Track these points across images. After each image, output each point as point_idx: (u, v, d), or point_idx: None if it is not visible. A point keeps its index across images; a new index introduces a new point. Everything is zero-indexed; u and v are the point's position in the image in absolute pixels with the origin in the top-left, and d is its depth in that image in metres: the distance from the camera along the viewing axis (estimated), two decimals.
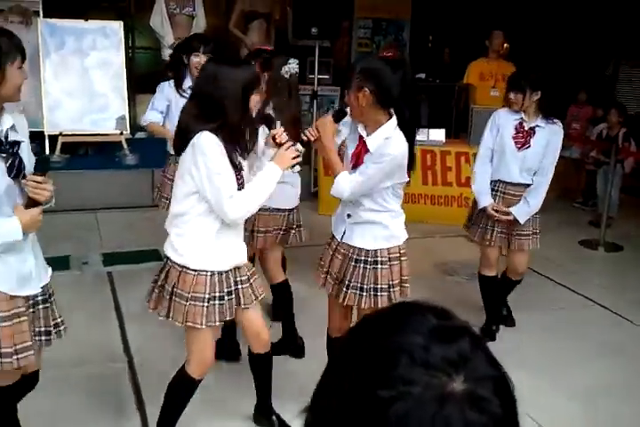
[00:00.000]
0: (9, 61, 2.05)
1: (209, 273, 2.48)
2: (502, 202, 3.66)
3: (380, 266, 2.75)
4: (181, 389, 2.65)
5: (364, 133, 2.64)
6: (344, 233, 2.78)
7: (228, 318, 2.57)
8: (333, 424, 0.70)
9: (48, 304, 2.28)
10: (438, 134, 5.96)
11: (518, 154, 3.59)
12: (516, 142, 3.59)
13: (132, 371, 3.33)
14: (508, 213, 3.62)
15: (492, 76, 6.56)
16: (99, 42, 6.16)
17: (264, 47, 3.72)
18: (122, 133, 6.20)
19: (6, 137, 2.10)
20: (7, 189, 2.08)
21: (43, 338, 2.27)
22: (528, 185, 3.64)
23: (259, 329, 2.75)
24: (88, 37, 6.09)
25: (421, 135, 5.74)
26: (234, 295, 2.56)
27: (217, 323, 2.53)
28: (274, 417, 2.92)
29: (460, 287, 4.62)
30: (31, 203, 2.09)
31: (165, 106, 3.88)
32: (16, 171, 2.10)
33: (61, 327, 2.34)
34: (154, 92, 4.02)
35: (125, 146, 6.16)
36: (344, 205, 2.79)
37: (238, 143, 2.40)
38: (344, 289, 2.76)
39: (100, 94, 6.17)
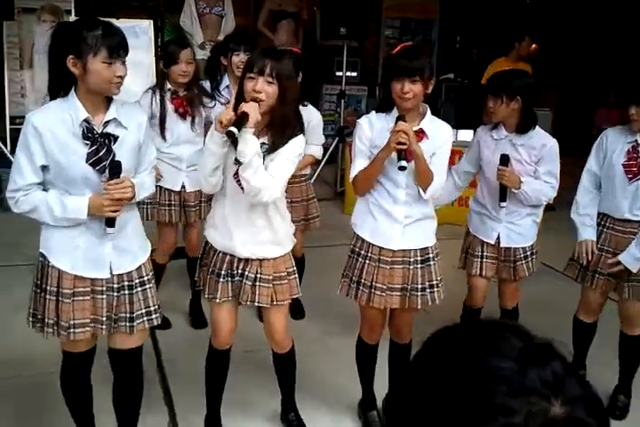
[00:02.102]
0: (90, 53, 2.12)
1: (211, 246, 2.64)
2: (610, 240, 3.02)
3: (432, 262, 2.77)
4: (208, 358, 2.79)
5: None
6: (393, 238, 2.70)
7: (217, 299, 2.61)
8: None
9: (135, 291, 2.38)
10: (467, 135, 5.92)
11: (629, 186, 2.93)
12: (626, 171, 2.92)
13: (161, 368, 3.36)
14: (617, 263, 2.96)
15: None
16: (129, 40, 6.21)
17: (293, 49, 3.73)
18: None
19: (104, 127, 2.23)
20: (84, 175, 2.20)
21: (127, 324, 2.37)
22: None
23: (274, 331, 2.75)
24: None
25: None
26: (222, 279, 2.60)
27: (216, 298, 2.61)
28: (292, 414, 2.92)
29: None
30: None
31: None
32: (95, 160, 2.19)
33: (153, 316, 2.43)
34: None
35: None
36: (395, 207, 2.69)
37: None
38: (407, 294, 2.72)
39: (129, 92, 6.22)
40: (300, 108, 3.56)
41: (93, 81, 2.16)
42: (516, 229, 3.13)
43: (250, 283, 2.58)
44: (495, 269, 3.20)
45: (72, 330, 2.29)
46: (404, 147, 2.48)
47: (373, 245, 2.74)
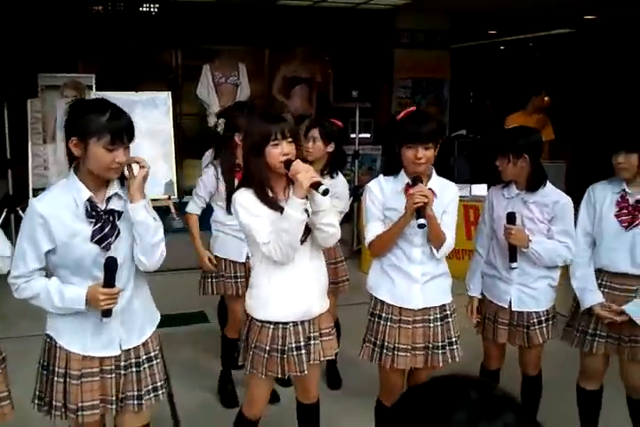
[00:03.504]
0: (93, 138, 2.11)
1: (263, 325, 2.55)
2: (607, 298, 2.88)
3: (450, 318, 2.81)
4: (236, 425, 2.76)
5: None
6: (413, 298, 2.74)
7: (305, 371, 2.56)
8: None
9: (142, 368, 2.36)
10: (481, 189, 5.96)
11: (625, 235, 2.83)
12: (620, 221, 2.83)
13: None
14: (621, 313, 2.84)
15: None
16: (148, 112, 6.43)
17: (336, 122, 3.68)
18: (169, 198, 6.39)
19: (107, 203, 2.23)
20: (91, 255, 2.20)
21: (135, 402, 2.34)
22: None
23: (312, 383, 2.74)
24: (138, 108, 6.38)
25: (464, 191, 5.76)
26: (303, 350, 2.55)
27: (284, 374, 2.57)
28: None
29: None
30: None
31: (209, 193, 3.59)
32: (100, 237, 2.19)
33: (160, 392, 2.40)
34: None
35: (173, 210, 6.33)
36: (411, 267, 2.73)
37: (263, 195, 2.47)
38: (429, 352, 2.75)
39: (149, 161, 6.39)
40: (327, 179, 3.57)
41: (92, 164, 2.16)
42: (529, 293, 2.96)
43: (318, 342, 2.60)
44: (508, 334, 3.03)
45: (80, 413, 2.26)
46: (423, 204, 2.54)
47: (393, 306, 2.76)
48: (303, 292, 2.54)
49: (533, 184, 2.90)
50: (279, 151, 2.42)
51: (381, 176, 2.81)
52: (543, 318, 2.98)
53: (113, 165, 2.16)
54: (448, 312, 2.80)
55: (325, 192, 2.33)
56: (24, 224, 2.22)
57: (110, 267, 2.18)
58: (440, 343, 2.76)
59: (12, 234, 5.77)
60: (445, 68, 8.95)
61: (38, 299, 2.24)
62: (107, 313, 2.23)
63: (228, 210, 3.44)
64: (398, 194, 2.70)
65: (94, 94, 6.32)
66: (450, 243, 2.71)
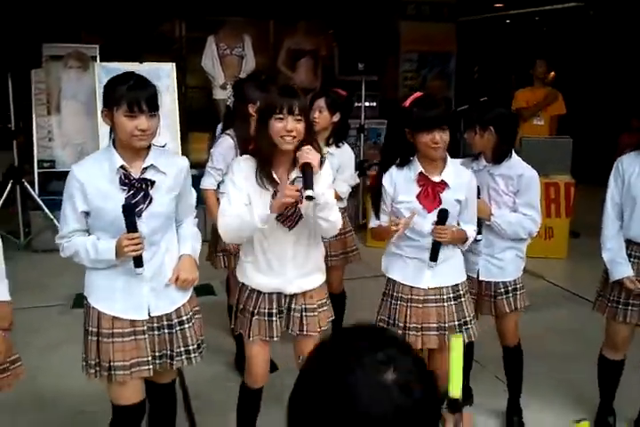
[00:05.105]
0: (115, 106, 2.22)
1: (252, 290, 2.62)
2: (637, 268, 2.90)
3: (463, 298, 2.81)
4: (240, 396, 2.79)
5: (432, 176, 2.69)
6: (424, 278, 2.76)
7: (274, 337, 2.62)
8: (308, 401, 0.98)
9: (174, 330, 2.44)
10: None
11: None
12: None
13: (187, 403, 3.37)
14: None
15: (537, 105, 6.54)
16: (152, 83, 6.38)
17: (339, 91, 3.73)
18: None
19: (142, 173, 2.32)
20: (122, 219, 2.25)
21: (167, 361, 2.45)
22: None
23: None
24: None
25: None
26: (275, 318, 2.60)
27: (265, 338, 2.62)
28: None
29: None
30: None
31: (227, 165, 3.38)
32: (132, 203, 2.28)
33: (192, 355, 2.49)
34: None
35: None
36: (423, 253, 2.73)
37: (263, 167, 2.47)
38: (444, 333, 2.74)
39: None
40: (333, 148, 3.62)
41: (119, 133, 2.26)
42: (496, 263, 3.01)
43: (298, 315, 2.61)
44: (475, 303, 3.03)
45: (113, 371, 2.34)
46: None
47: (404, 285, 2.78)
48: (280, 271, 2.57)
49: (498, 156, 2.93)
50: (282, 126, 2.38)
51: (394, 168, 2.76)
52: (510, 288, 3.03)
53: (135, 132, 2.23)
54: (461, 292, 2.80)
55: (309, 198, 2.30)
56: (65, 188, 2.34)
57: (128, 212, 2.25)
58: (456, 323, 2.75)
59: (18, 205, 5.80)
60: (452, 42, 8.86)
61: (78, 256, 2.34)
62: (138, 262, 2.30)
63: None
64: (411, 182, 2.70)
65: (97, 65, 6.28)
66: (472, 234, 2.77)
